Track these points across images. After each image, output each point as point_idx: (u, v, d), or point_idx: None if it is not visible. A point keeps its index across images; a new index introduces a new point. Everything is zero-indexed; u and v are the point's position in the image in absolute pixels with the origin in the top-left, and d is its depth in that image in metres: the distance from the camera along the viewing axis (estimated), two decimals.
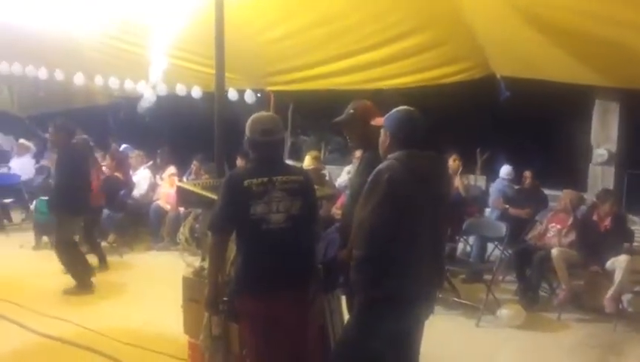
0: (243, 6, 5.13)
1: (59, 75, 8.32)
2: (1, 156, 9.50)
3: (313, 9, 5.42)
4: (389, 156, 2.61)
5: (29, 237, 7.52)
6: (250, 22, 5.64)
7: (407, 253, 2.51)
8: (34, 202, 7.66)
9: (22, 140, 9.49)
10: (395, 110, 2.74)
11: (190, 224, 4.13)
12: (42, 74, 8.32)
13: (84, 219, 6.04)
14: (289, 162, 3.85)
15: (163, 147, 8.89)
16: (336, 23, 5.55)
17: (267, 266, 2.72)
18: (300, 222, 2.76)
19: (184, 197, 3.61)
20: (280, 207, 2.71)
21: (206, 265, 3.24)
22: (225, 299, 2.83)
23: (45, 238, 7.32)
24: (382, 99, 4.10)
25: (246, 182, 2.68)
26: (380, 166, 2.56)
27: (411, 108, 2.76)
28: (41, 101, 9.77)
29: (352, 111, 3.14)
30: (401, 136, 2.65)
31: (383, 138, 2.72)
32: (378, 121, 2.85)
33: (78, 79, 8.26)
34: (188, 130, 9.34)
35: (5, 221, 8.29)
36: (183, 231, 4.08)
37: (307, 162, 6.18)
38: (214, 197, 3.06)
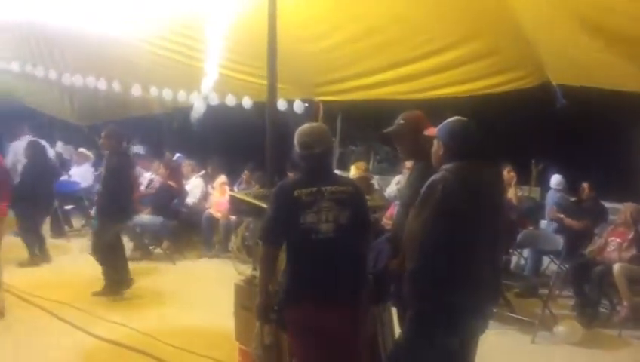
0: (294, 17, 5.18)
1: (117, 86, 8.62)
2: (61, 164, 9.88)
3: (363, 20, 5.42)
4: (443, 167, 2.58)
5: (89, 242, 7.80)
6: (301, 32, 5.68)
7: (461, 266, 2.46)
8: (93, 209, 7.92)
9: (81, 149, 9.86)
10: (448, 120, 2.71)
11: (242, 233, 4.17)
12: (101, 85, 8.64)
13: None
14: (338, 172, 3.86)
15: (214, 156, 9.06)
16: (386, 34, 5.52)
17: (316, 276, 2.72)
18: (349, 232, 2.76)
19: (236, 206, 3.68)
20: (329, 217, 2.71)
21: (257, 273, 3.27)
22: (275, 308, 2.85)
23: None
24: (433, 109, 4.05)
25: (296, 192, 2.70)
26: (434, 177, 2.53)
27: (465, 119, 2.72)
28: (100, 111, 10.13)
29: (402, 121, 3.12)
30: (455, 147, 2.61)
31: (436, 148, 2.69)
32: (431, 131, 2.82)
33: (135, 90, 8.54)
34: (238, 139, 9.51)
35: (66, 227, 8.63)
36: (235, 240, 4.14)
37: (354, 172, 6.16)
38: (265, 206, 3.09)
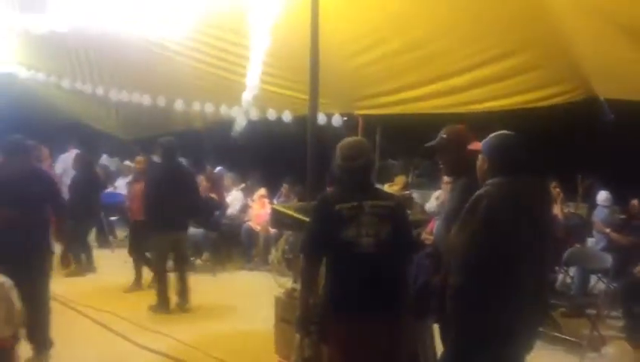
0: (336, 32, 5.23)
1: (161, 101, 8.85)
2: (107, 177, 10.16)
3: (405, 33, 5.41)
4: (488, 182, 2.54)
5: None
6: (342, 47, 5.72)
7: (506, 283, 2.41)
8: None
9: (126, 162, 10.12)
10: (493, 135, 2.67)
11: (282, 246, 4.20)
12: (146, 100, 8.89)
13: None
14: (378, 187, 3.85)
15: (254, 169, 9.16)
16: (427, 48, 5.51)
17: (356, 290, 2.71)
18: (390, 246, 2.74)
19: (277, 219, 3.71)
20: (370, 231, 2.70)
21: (298, 286, 3.28)
22: (316, 321, 2.85)
23: (147, 255, 7.72)
24: (476, 123, 4.00)
25: (337, 206, 2.70)
26: (479, 192, 2.49)
27: (511, 133, 2.68)
28: (144, 125, 10.41)
29: (444, 135, 3.10)
30: (500, 162, 2.57)
31: (481, 163, 2.65)
32: (476, 145, 2.78)
33: (178, 105, 8.74)
34: (278, 153, 9.59)
35: (111, 237, 8.85)
36: (276, 253, 4.16)
37: (393, 186, 6.13)
38: (306, 219, 3.10)
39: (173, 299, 5.84)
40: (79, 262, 7.15)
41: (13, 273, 3.49)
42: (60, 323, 5.08)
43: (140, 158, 7.26)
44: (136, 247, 6.62)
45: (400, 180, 6.28)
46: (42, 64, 9.14)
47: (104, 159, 10.97)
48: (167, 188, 5.61)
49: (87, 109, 10.33)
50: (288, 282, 3.90)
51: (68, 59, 8.57)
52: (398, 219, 2.82)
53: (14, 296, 3.36)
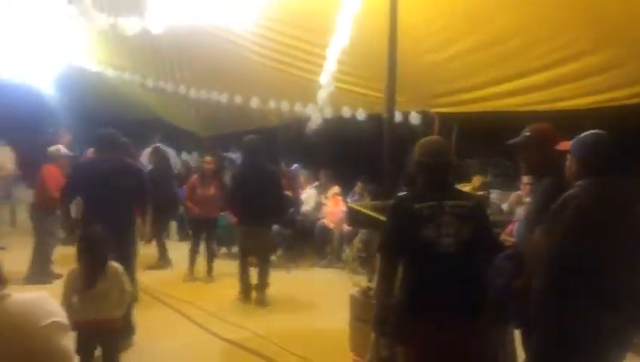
0: (413, 29, 5.16)
1: (238, 99, 9.08)
2: (186, 173, 10.53)
3: (482, 30, 5.27)
4: (577, 183, 2.43)
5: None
6: (419, 43, 5.64)
7: (595, 288, 2.30)
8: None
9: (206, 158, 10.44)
10: (583, 134, 2.55)
11: (357, 244, 4.20)
12: (224, 98, 9.15)
13: None
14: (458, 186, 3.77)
15: (327, 167, 9.21)
16: (506, 44, 5.33)
17: (434, 291, 2.67)
18: (470, 247, 2.68)
19: (353, 217, 3.72)
20: (449, 231, 2.65)
21: (373, 285, 3.27)
22: (392, 321, 2.83)
23: (224, 249, 7.97)
24: (561, 121, 3.82)
25: (416, 206, 2.67)
26: (568, 193, 2.39)
27: (601, 132, 2.55)
28: (222, 123, 10.73)
29: (528, 134, 2.99)
30: (590, 163, 2.45)
31: (570, 164, 2.54)
32: (564, 145, 2.67)
33: (254, 103, 8.93)
34: (351, 151, 9.58)
35: (190, 231, 9.15)
36: (350, 252, 4.17)
37: (471, 186, 5.97)
38: (383, 218, 3.09)
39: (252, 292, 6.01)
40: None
41: None
42: (142, 312, 5.37)
43: (208, 158, 7.52)
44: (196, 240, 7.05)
45: (477, 180, 6.10)
46: (128, 64, 9.63)
47: (184, 155, 11.37)
48: (252, 186, 5.81)
49: (169, 107, 10.77)
50: (363, 280, 3.90)
51: (152, 59, 8.98)
52: (479, 219, 2.76)
53: (126, 280, 3.65)
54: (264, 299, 5.92)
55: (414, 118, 7.79)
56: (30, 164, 10.76)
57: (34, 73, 10.89)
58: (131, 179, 4.69)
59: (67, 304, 3.38)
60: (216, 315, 5.46)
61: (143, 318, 4.83)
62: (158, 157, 8.36)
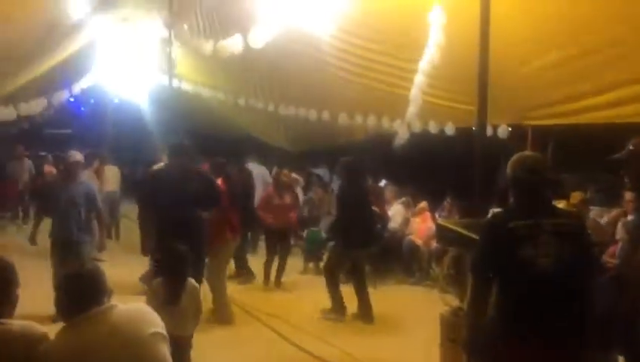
0: (506, 39, 5.02)
1: (325, 115, 9.23)
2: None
3: (582, 39, 5.04)
4: None
5: (298, 261, 8.38)
6: (512, 54, 5.48)
7: None
8: (304, 231, 8.49)
9: (293, 174, 10.64)
10: None
11: (447, 262, 4.12)
12: (312, 114, 9.34)
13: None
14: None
15: (415, 183, 9.10)
16: (607, 53, 5.06)
17: (531, 313, 2.55)
18: (570, 268, 2.54)
19: (443, 234, 3.65)
20: (549, 251, 2.53)
21: (464, 305, 3.18)
22: (484, 343, 2.74)
23: (311, 265, 8.07)
24: None
25: (511, 224, 2.57)
26: None
27: None
28: (310, 138, 10.94)
29: (632, 148, 2.82)
30: None
31: None
32: None
33: (342, 118, 9.04)
34: (439, 166, 9.42)
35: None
36: (440, 270, 4.09)
37: (570, 203, 5.68)
38: (475, 237, 3.01)
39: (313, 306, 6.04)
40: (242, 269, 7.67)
41: None
42: (236, 325, 5.54)
43: (286, 171, 7.79)
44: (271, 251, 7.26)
45: (576, 196, 5.79)
46: (222, 84, 10.09)
47: (275, 171, 11.65)
48: (346, 206, 5.97)
49: (259, 124, 11.13)
50: (454, 300, 3.80)
51: (243, 78, 9.35)
52: (580, 239, 2.62)
53: (200, 296, 3.74)
54: (370, 318, 5.93)
55: (504, 132, 7.55)
56: (134, 182, 11.53)
57: (136, 95, 11.70)
58: (198, 184, 4.83)
59: None
60: (304, 330, 5.51)
61: (231, 331, 4.97)
62: (241, 174, 8.66)
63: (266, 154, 12.35)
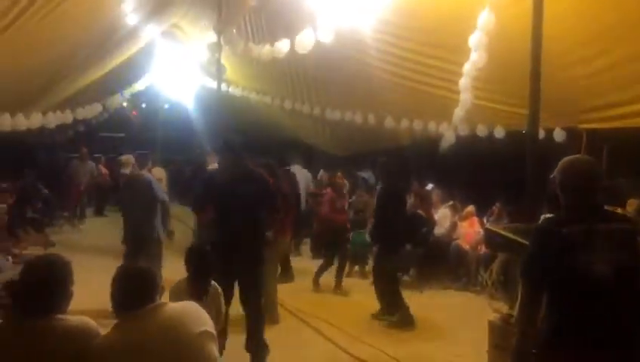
0: (558, 40, 4.89)
1: (371, 119, 9.21)
2: (321, 191, 10.79)
3: (632, 43, 4.85)
4: None
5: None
6: (565, 56, 5.33)
7: None
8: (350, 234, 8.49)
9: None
10: None
11: (496, 268, 4.03)
12: (358, 118, 9.34)
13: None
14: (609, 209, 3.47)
15: (462, 187, 8.96)
16: None
17: (584, 322, 2.46)
18: (627, 275, 2.44)
19: (492, 240, 3.58)
20: (604, 258, 2.44)
21: (514, 312, 3.11)
22: (534, 351, 2.66)
23: (356, 268, 8.05)
24: None
25: (564, 230, 2.49)
26: None
27: None
28: (355, 142, 10.93)
29: None
30: None
31: None
32: None
33: (388, 122, 8.99)
34: (487, 169, 9.24)
35: (323, 250, 9.35)
36: (489, 275, 4.01)
37: (627, 209, 5.46)
38: (525, 242, 2.93)
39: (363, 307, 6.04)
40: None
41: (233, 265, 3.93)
42: (278, 327, 5.57)
43: (339, 174, 7.93)
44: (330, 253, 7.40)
45: (632, 203, 5.56)
46: (268, 88, 10.21)
47: (321, 173, 11.71)
48: (392, 208, 5.90)
49: (305, 128, 11.19)
50: (503, 306, 3.72)
51: (289, 82, 9.43)
52: (635, 244, 2.51)
53: (222, 301, 3.76)
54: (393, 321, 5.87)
55: (559, 135, 7.33)
56: (180, 183, 11.81)
57: (186, 99, 12.01)
58: (253, 186, 4.63)
59: None
60: (350, 334, 5.49)
61: (276, 333, 5.01)
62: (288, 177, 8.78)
63: (311, 157, 12.47)
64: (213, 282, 3.69)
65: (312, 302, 6.63)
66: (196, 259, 3.61)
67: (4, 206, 8.07)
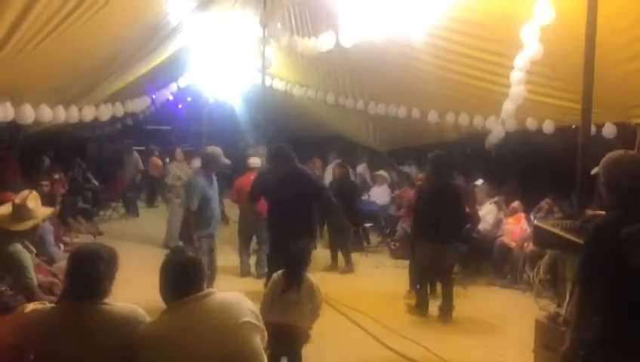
0: (613, 35, 4.71)
1: (415, 114, 9.09)
2: (362, 185, 10.78)
3: None
4: None
5: (384, 258, 8.45)
6: (620, 50, 5.12)
7: None
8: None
9: (381, 171, 10.61)
10: None
11: (545, 266, 3.93)
12: (401, 112, 9.23)
13: None
14: None
15: (508, 182, 8.76)
16: None
17: None
18: None
19: (541, 237, 3.48)
20: None
21: (562, 311, 3.02)
22: (582, 353, 2.58)
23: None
24: None
25: (623, 231, 2.40)
26: None
27: None
28: (398, 137, 10.80)
29: None
30: None
31: None
32: None
33: (432, 117, 8.85)
34: (536, 165, 8.99)
35: (365, 243, 9.36)
36: (537, 273, 3.91)
37: None
38: (577, 240, 2.84)
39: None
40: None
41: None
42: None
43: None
44: None
45: None
46: (311, 82, 10.19)
47: (361, 168, 11.66)
48: (433, 201, 5.85)
49: (347, 122, 11.14)
50: (550, 305, 3.62)
51: (334, 75, 9.40)
52: None
53: (318, 291, 3.90)
54: (448, 320, 5.83)
55: (611, 131, 7.07)
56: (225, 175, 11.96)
57: (230, 93, 12.13)
58: (302, 184, 5.21)
59: (266, 305, 3.70)
60: (391, 328, 5.46)
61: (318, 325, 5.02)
62: (341, 172, 8.78)
63: (352, 152, 12.42)
64: (308, 275, 3.90)
65: (353, 295, 6.62)
66: (288, 254, 3.90)
67: (58, 196, 8.38)
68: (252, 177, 6.37)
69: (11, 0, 3.56)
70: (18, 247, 3.84)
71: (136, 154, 12.25)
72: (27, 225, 3.92)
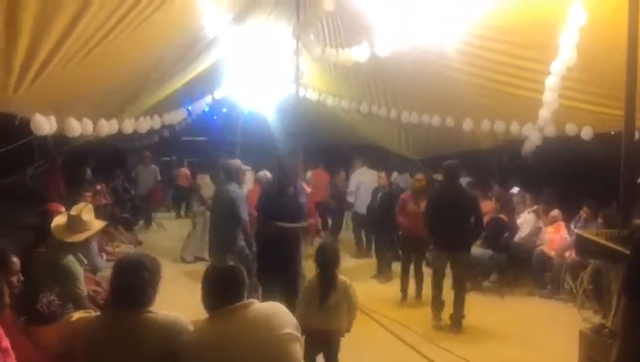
0: None
1: (449, 122, 9.01)
2: (397, 193, 10.69)
3: None
4: None
5: None
6: None
7: None
8: None
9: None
10: None
11: (588, 276, 3.84)
12: (435, 121, 9.16)
13: None
14: None
15: (547, 191, 8.58)
16: None
17: None
18: None
19: (584, 246, 3.41)
20: None
21: (607, 322, 2.95)
22: None
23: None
24: None
25: None
26: None
27: None
28: (432, 145, 10.71)
29: None
30: None
31: None
32: None
33: (467, 124, 8.76)
34: (575, 172, 8.79)
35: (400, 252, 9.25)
36: (580, 284, 3.83)
37: None
38: (622, 250, 2.77)
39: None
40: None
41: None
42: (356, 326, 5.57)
43: (420, 176, 7.60)
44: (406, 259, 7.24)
45: None
46: (345, 91, 10.22)
47: (395, 176, 11.59)
48: (445, 208, 5.83)
49: (380, 131, 11.11)
50: (594, 316, 3.52)
51: (366, 85, 9.40)
52: None
53: (352, 292, 3.91)
54: (459, 329, 5.75)
55: None
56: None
57: (264, 104, 12.25)
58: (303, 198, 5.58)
59: (303, 311, 3.72)
60: (423, 336, 5.46)
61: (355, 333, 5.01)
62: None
63: (385, 160, 12.36)
64: (342, 277, 3.90)
65: (379, 301, 6.60)
66: (322, 261, 3.88)
67: (101, 206, 8.57)
68: (257, 190, 6.43)
69: (58, 15, 3.67)
70: (71, 258, 3.90)
71: (153, 166, 12.36)
72: (81, 236, 3.96)
